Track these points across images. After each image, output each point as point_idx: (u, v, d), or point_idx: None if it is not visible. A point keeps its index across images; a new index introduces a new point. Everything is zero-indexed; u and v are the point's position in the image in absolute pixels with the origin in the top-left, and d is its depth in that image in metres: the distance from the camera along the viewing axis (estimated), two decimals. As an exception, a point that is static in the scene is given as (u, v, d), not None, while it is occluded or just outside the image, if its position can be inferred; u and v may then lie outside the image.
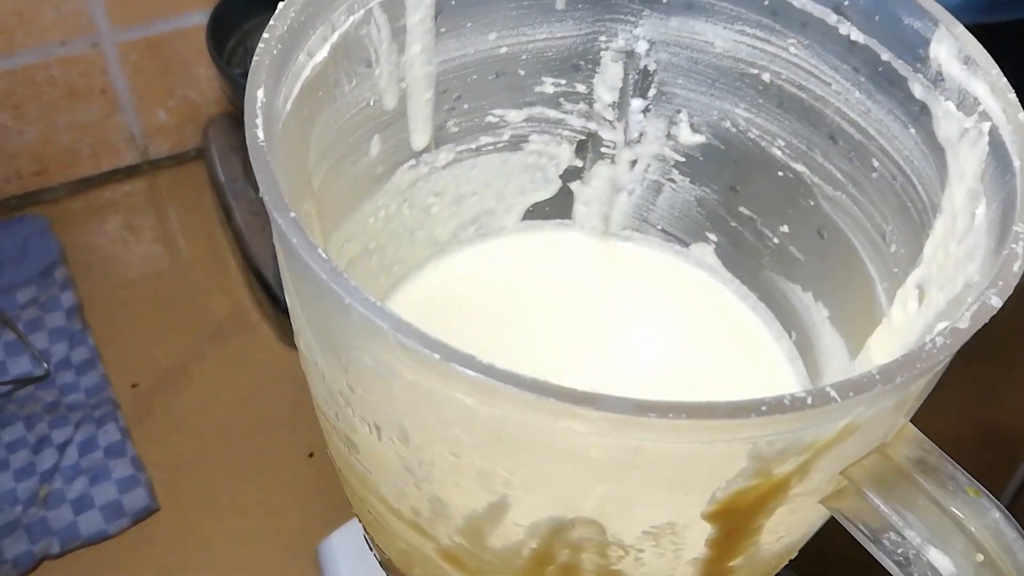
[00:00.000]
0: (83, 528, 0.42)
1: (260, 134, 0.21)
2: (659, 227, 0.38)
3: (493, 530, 0.22)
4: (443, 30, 0.30)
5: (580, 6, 0.32)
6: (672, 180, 0.36)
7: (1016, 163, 0.22)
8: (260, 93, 0.22)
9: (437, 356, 0.18)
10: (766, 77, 0.31)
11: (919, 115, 0.27)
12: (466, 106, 0.33)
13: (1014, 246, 0.20)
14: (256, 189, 0.20)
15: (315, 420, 0.40)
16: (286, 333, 0.50)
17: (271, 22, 0.24)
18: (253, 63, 0.23)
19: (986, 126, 0.24)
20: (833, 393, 0.18)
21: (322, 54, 0.26)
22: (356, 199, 0.32)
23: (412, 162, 0.33)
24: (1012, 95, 0.24)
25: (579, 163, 0.37)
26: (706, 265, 0.38)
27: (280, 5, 0.24)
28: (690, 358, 0.36)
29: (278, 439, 0.46)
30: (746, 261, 0.36)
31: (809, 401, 0.18)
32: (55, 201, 0.56)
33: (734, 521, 0.22)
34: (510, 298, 0.37)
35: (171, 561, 0.42)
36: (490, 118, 0.34)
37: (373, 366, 0.20)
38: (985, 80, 0.24)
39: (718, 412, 0.18)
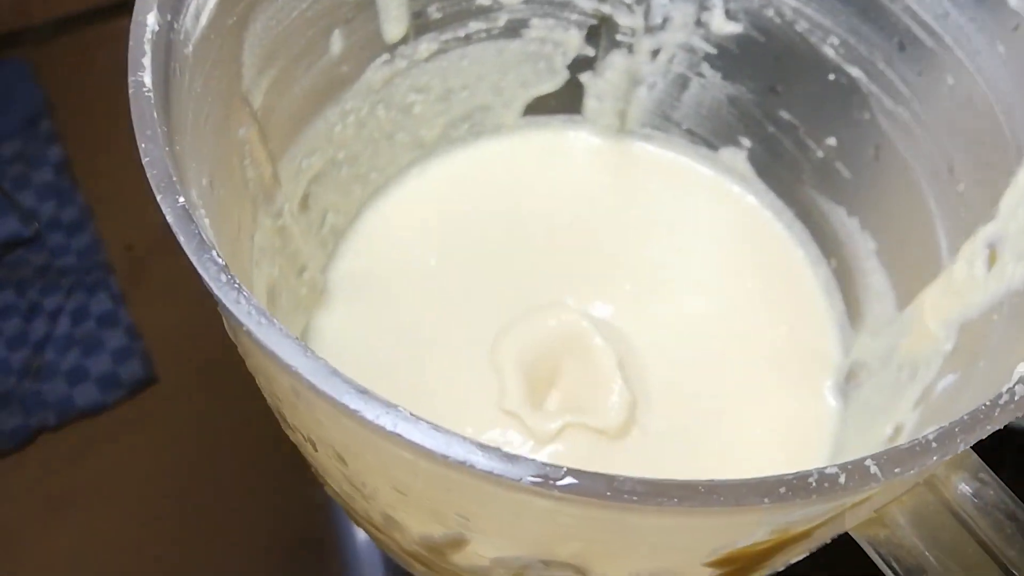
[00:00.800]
0: (79, 400, 0.40)
1: (147, 80, 0.16)
2: (684, 126, 0.32)
3: (454, 554, 0.19)
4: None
5: None
6: (701, 74, 0.30)
7: None
8: (151, 19, 0.17)
9: (357, 413, 0.14)
10: (821, -41, 0.25)
11: (1012, 32, 0.21)
12: (448, -12, 0.28)
13: None
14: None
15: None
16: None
17: (168, -90, 0.18)
18: (140, -26, 0.17)
19: (1106, 58, 0.18)
20: (874, 469, 0.14)
21: (249, -57, 0.20)
22: (316, 106, 0.27)
23: (386, 56, 0.28)
24: None
25: (590, 52, 0.31)
26: (736, 173, 0.32)
27: None
28: (715, 284, 0.31)
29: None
30: (784, 173, 0.31)
31: (842, 480, 0.14)
32: (38, 43, 0.51)
33: (741, 565, 0.18)
34: (509, 207, 0.32)
35: (170, 433, 0.40)
36: (481, 0, 0.28)
37: (292, 394, 0.16)
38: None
39: (722, 496, 0.13)
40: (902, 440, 0.22)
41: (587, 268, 0.32)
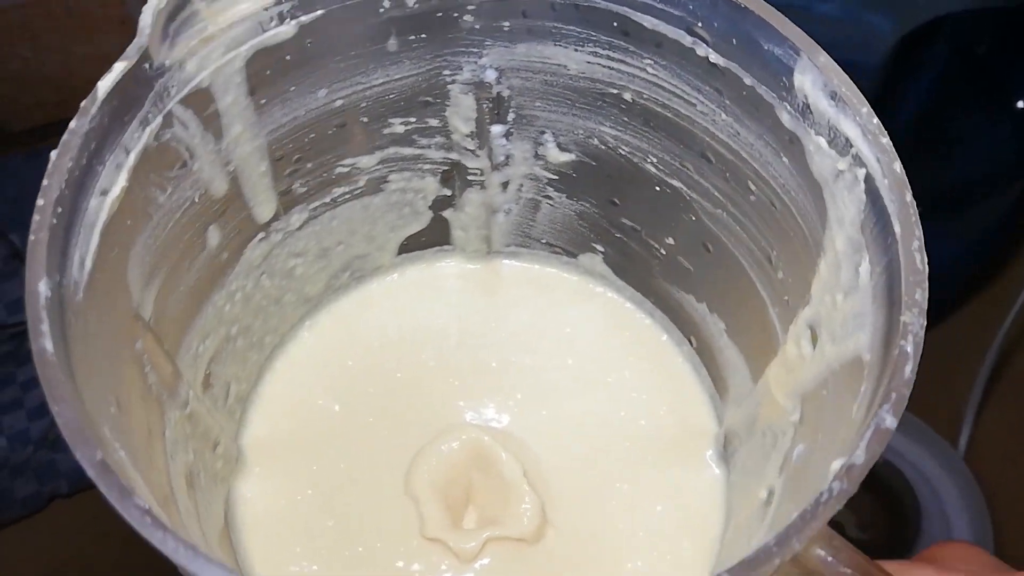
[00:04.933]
0: None
1: (48, 345, 0.18)
2: (543, 240, 0.36)
3: None
4: (263, 101, 0.27)
5: (415, 45, 0.28)
6: (548, 197, 0.34)
7: (896, 228, 0.20)
8: (42, 286, 0.19)
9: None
10: (628, 96, 0.29)
11: (790, 145, 0.25)
12: (309, 165, 0.30)
13: (903, 343, 0.19)
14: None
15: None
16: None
17: (44, 181, 0.20)
18: (28, 249, 0.19)
19: (861, 172, 0.22)
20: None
21: (119, 184, 0.22)
22: (203, 296, 0.29)
23: (261, 235, 0.30)
24: (885, 139, 0.22)
25: (447, 192, 0.34)
26: (597, 275, 0.36)
27: (51, 157, 0.21)
28: (594, 378, 0.34)
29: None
30: (637, 269, 0.34)
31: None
32: None
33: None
34: (397, 340, 0.35)
35: None
36: (340, 169, 0.31)
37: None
38: (855, 120, 0.22)
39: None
40: (775, 504, 0.26)
41: (480, 385, 0.34)
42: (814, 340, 0.25)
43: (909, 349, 0.19)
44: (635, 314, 0.35)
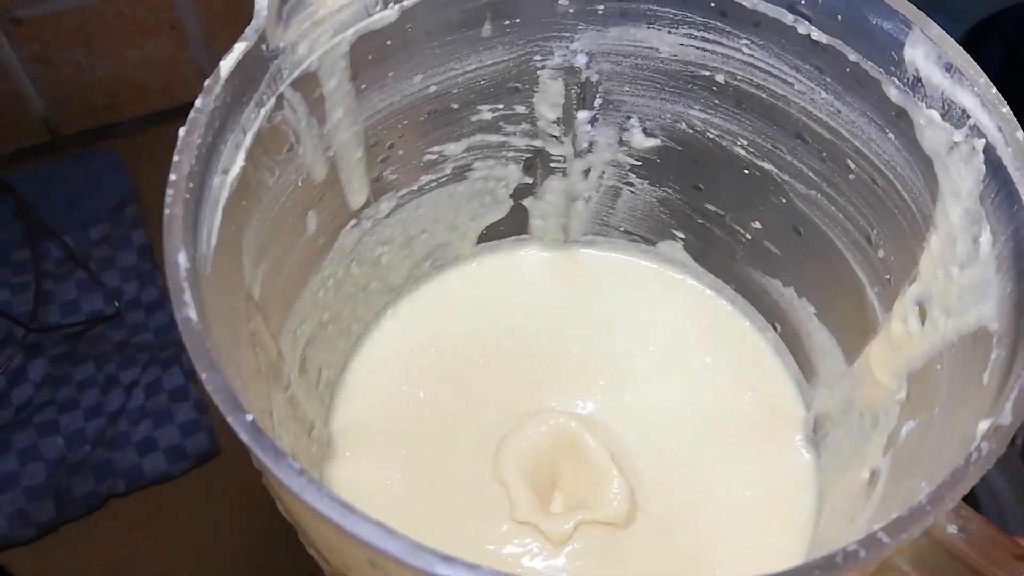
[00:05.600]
0: (147, 469, 0.43)
1: (192, 314, 0.18)
2: (622, 229, 0.36)
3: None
4: (363, 87, 0.27)
5: (509, 30, 0.28)
6: (630, 184, 0.34)
7: (1023, 195, 0.20)
8: (181, 258, 0.19)
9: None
10: (720, 78, 0.29)
11: (897, 120, 0.25)
12: (401, 152, 0.30)
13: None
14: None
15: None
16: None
17: (175, 157, 0.20)
18: (165, 222, 0.19)
19: (980, 143, 0.22)
20: (887, 539, 0.16)
21: (238, 164, 0.23)
22: (301, 280, 0.29)
23: (353, 221, 0.31)
24: (1006, 108, 0.22)
25: (529, 180, 0.34)
26: (676, 262, 0.36)
27: (180, 135, 0.21)
28: (677, 364, 0.34)
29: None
30: (719, 255, 0.34)
31: (863, 555, 0.16)
32: (127, 136, 0.56)
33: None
34: (479, 328, 0.35)
35: (230, 502, 0.43)
36: (428, 156, 0.31)
37: (369, 565, 0.18)
38: (972, 91, 0.22)
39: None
40: (881, 484, 0.25)
41: (562, 371, 0.34)
42: (922, 316, 0.25)
43: (1050, 313, 0.19)
44: (716, 301, 0.35)
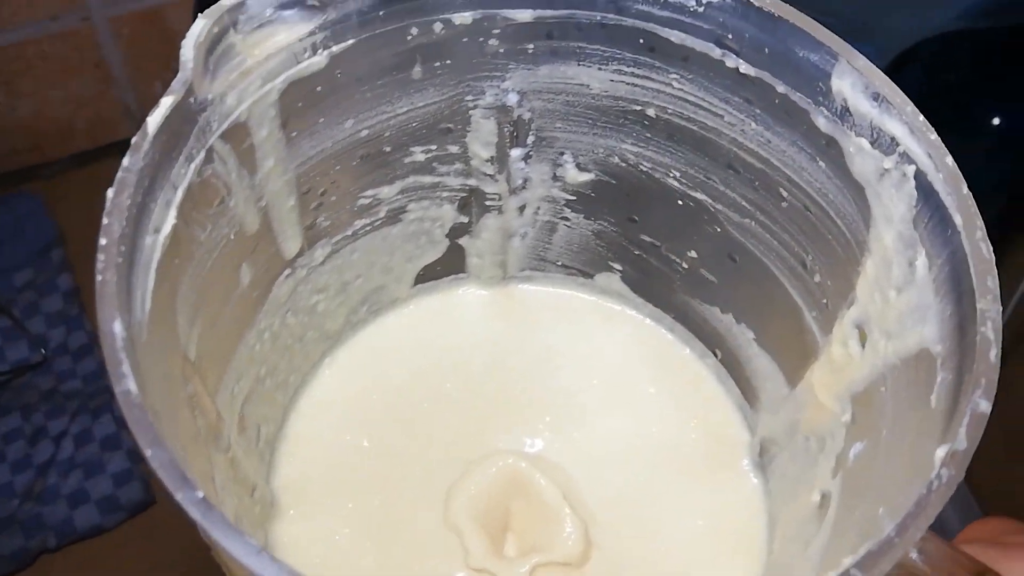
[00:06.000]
0: (78, 522, 0.41)
1: (132, 386, 0.18)
2: (559, 263, 0.36)
3: None
4: (294, 134, 0.27)
5: (440, 72, 0.28)
6: (565, 218, 0.34)
7: (957, 219, 0.21)
8: (117, 327, 0.18)
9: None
10: (651, 112, 0.29)
11: (827, 148, 0.25)
12: (334, 198, 0.30)
13: (983, 329, 0.19)
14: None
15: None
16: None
17: (104, 220, 0.20)
18: (97, 289, 0.19)
19: (910, 169, 0.23)
20: (858, 574, 0.16)
21: (169, 222, 0.22)
22: (237, 335, 0.28)
23: (288, 271, 0.30)
24: (934, 135, 0.22)
25: (464, 219, 0.34)
26: (614, 293, 0.36)
27: (108, 196, 0.20)
28: (622, 396, 0.34)
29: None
30: (656, 285, 0.34)
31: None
32: (51, 177, 0.55)
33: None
34: (420, 372, 0.34)
35: (168, 554, 0.41)
36: (362, 201, 0.31)
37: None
38: (900, 119, 0.23)
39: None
40: (833, 507, 0.26)
41: (508, 409, 0.34)
42: (863, 339, 0.26)
43: (991, 335, 0.19)
44: (656, 330, 0.36)
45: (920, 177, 0.22)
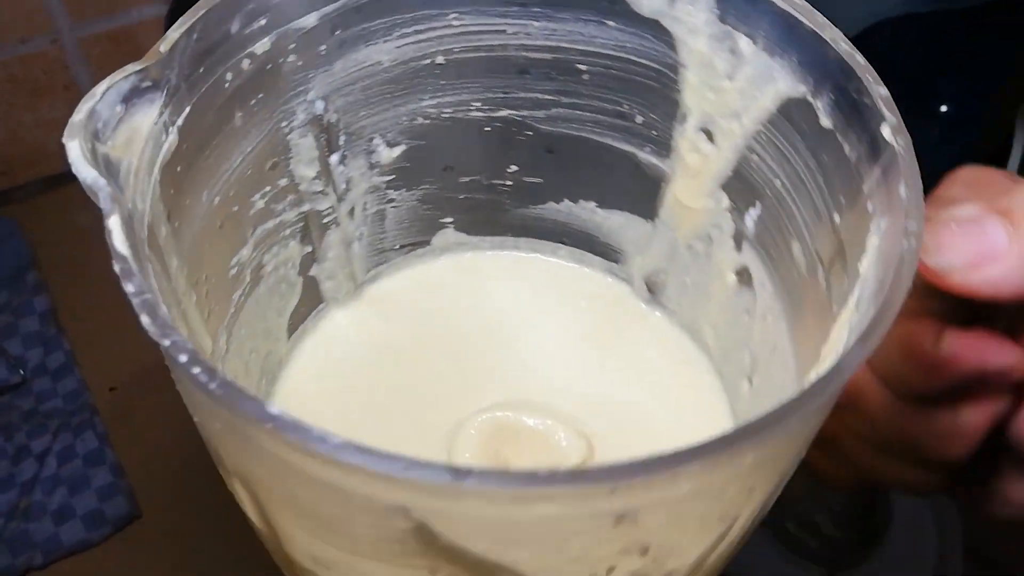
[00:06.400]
0: (65, 538, 0.42)
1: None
2: (397, 247, 0.37)
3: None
4: (176, 225, 0.25)
5: (256, 109, 0.28)
6: (391, 200, 0.35)
7: (760, -7, 0.26)
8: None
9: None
10: (440, 59, 0.31)
11: (610, 5, 0.29)
12: (213, 280, 0.29)
13: (843, 45, 0.25)
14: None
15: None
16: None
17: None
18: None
19: (694, -17, 0.27)
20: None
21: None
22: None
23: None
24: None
25: (308, 248, 0.33)
26: (453, 245, 0.38)
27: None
28: (520, 329, 0.37)
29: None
30: (486, 216, 0.37)
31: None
32: (23, 201, 0.56)
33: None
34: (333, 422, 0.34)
35: (156, 566, 0.43)
36: (232, 272, 0.30)
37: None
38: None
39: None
40: (759, 276, 0.31)
41: (461, 382, 0.34)
42: (711, 137, 0.31)
43: (847, 46, 0.25)
44: (503, 257, 0.38)
45: (705, -14, 0.27)
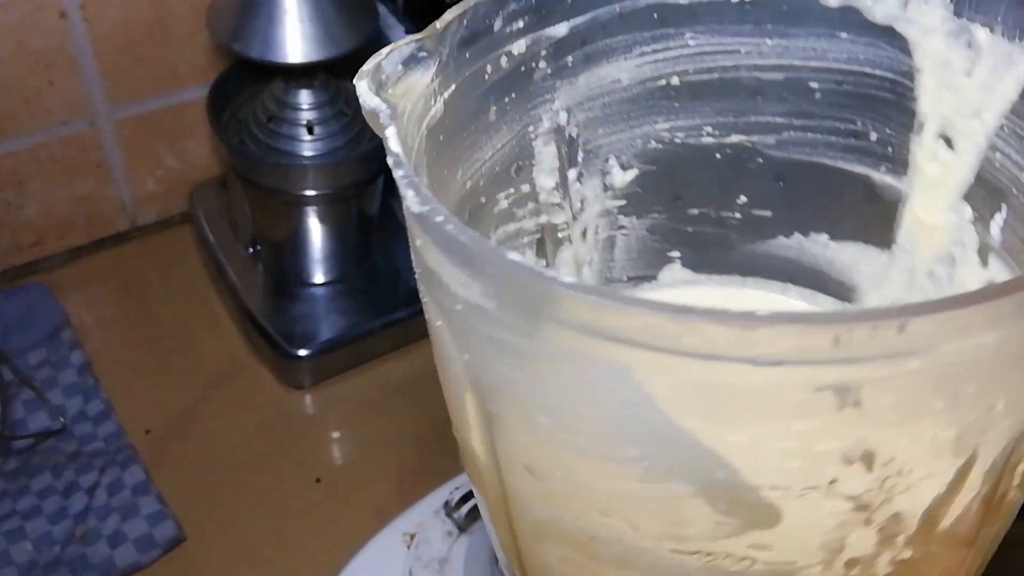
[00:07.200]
0: (119, 560, 0.46)
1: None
2: (624, 279, 0.38)
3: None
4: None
5: (508, 108, 0.31)
6: (621, 227, 0.37)
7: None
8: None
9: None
10: (675, 81, 0.33)
11: (842, 17, 0.31)
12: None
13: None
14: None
15: (319, 448, 0.53)
16: (284, 375, 0.55)
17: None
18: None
19: (929, -18, 0.28)
20: None
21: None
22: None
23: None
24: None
25: (543, 262, 0.35)
26: (679, 282, 0.39)
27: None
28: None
29: (285, 468, 0.51)
30: (718, 253, 0.38)
31: None
32: (51, 270, 0.60)
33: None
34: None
35: None
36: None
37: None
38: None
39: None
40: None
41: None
42: (950, 143, 0.30)
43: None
44: (730, 296, 0.39)
45: (942, -18, 0.28)
